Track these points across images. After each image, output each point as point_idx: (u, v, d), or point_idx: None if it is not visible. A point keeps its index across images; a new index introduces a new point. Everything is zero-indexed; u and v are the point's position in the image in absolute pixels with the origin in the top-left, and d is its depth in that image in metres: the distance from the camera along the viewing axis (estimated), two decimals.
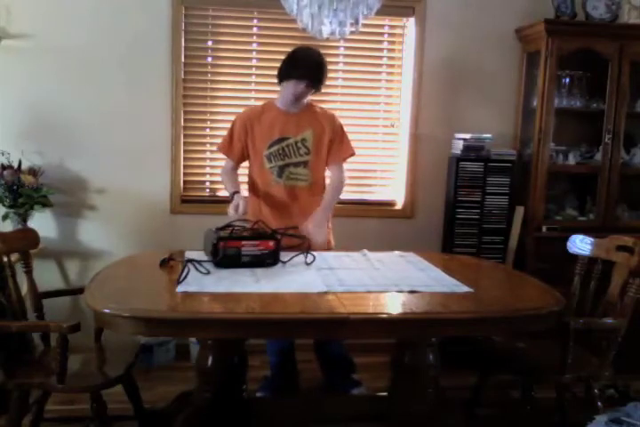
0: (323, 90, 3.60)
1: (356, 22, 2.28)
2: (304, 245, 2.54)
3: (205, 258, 2.40)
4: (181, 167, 3.58)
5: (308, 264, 2.44)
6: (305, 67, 2.70)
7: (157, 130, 3.51)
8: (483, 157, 3.47)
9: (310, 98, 2.88)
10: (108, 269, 2.40)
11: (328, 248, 2.83)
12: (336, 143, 2.87)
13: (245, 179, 2.98)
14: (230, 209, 2.65)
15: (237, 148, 2.85)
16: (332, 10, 2.20)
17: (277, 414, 2.66)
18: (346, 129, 2.95)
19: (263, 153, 2.79)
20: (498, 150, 3.52)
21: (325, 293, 2.08)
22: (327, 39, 2.39)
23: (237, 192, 2.73)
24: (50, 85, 3.40)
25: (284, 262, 2.44)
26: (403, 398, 2.47)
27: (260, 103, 3.02)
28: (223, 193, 3.64)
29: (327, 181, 2.96)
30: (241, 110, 3.57)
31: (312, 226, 2.72)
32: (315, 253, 2.53)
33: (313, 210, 2.78)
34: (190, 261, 2.32)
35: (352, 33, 2.34)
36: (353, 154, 2.96)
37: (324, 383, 3.06)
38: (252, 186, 2.92)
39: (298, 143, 2.78)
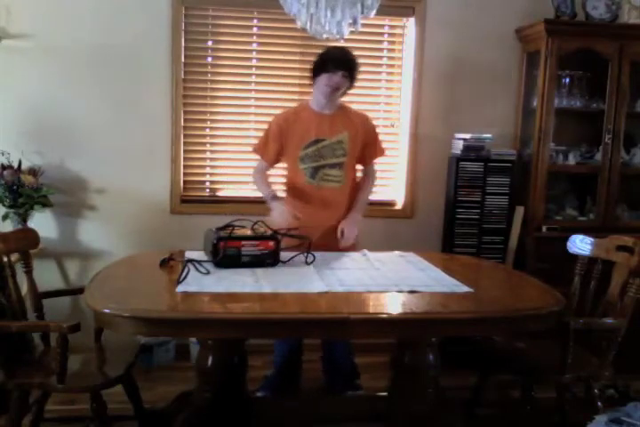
0: None
1: (355, 22, 2.28)
2: (304, 245, 2.54)
3: (205, 258, 2.40)
4: (181, 167, 3.58)
5: (308, 264, 2.45)
6: (338, 59, 2.71)
7: (157, 130, 3.51)
8: (483, 157, 3.47)
9: (341, 99, 2.88)
10: (108, 269, 2.40)
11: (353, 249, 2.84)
12: (370, 145, 2.90)
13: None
14: (277, 218, 2.65)
15: (272, 149, 2.85)
16: (330, 10, 2.20)
17: (277, 414, 2.66)
18: (380, 133, 3.00)
19: (298, 154, 2.79)
20: (498, 150, 3.52)
21: (325, 293, 2.08)
22: (327, 39, 2.40)
23: (276, 197, 2.76)
24: (50, 85, 3.40)
25: (285, 262, 2.44)
26: (403, 398, 2.47)
27: (291, 104, 3.09)
28: (223, 193, 3.66)
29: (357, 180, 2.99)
30: (240, 111, 3.61)
31: (347, 227, 2.76)
32: (315, 253, 2.53)
33: (342, 210, 2.82)
34: (190, 261, 2.32)
35: (351, 33, 2.34)
36: (384, 155, 3.03)
37: (324, 386, 3.05)
38: (287, 186, 2.94)
39: (334, 145, 2.79)
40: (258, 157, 2.94)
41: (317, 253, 2.53)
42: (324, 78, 2.72)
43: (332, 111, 2.82)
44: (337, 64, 2.70)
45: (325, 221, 2.79)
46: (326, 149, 2.78)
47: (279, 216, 2.65)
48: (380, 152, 2.99)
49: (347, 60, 2.73)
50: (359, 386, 3.03)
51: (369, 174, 2.98)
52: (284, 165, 2.97)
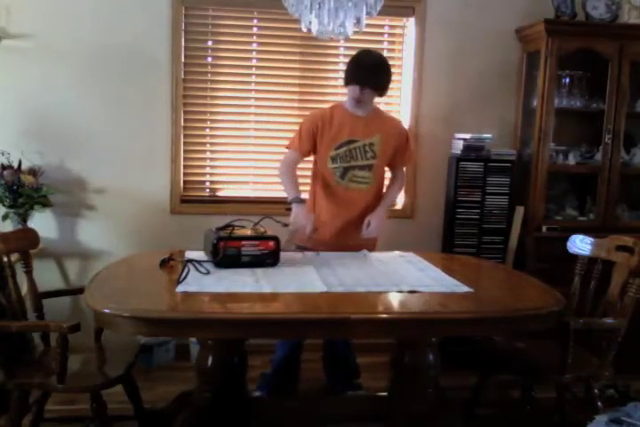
0: (323, 90, 3.66)
1: (359, 22, 2.29)
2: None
3: (205, 258, 2.40)
4: (181, 167, 3.58)
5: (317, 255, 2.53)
6: (364, 72, 2.68)
7: (157, 130, 3.51)
8: (483, 157, 3.47)
9: (376, 101, 2.88)
10: (108, 269, 2.40)
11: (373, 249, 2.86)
12: (401, 150, 2.90)
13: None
14: (295, 221, 2.66)
15: (305, 144, 2.83)
16: (334, 10, 2.20)
17: (277, 414, 2.66)
18: (412, 139, 3.04)
19: (329, 154, 2.79)
20: (498, 150, 3.53)
21: (325, 293, 2.08)
22: (331, 39, 2.40)
23: (300, 200, 2.72)
24: (50, 85, 3.40)
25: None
26: (403, 398, 2.47)
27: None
28: (223, 193, 3.66)
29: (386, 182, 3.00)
30: (240, 111, 3.61)
31: (374, 219, 2.76)
32: (312, 252, 2.53)
33: (368, 212, 2.81)
34: (190, 261, 2.32)
35: (355, 33, 2.34)
36: (413, 159, 3.10)
37: (325, 385, 3.05)
38: (314, 184, 2.92)
39: (366, 146, 2.79)
40: (288, 150, 2.90)
41: (317, 254, 2.54)
42: (351, 89, 2.73)
43: (366, 113, 2.81)
44: (362, 79, 2.69)
45: (348, 220, 2.81)
46: (358, 150, 2.78)
47: (298, 220, 2.66)
48: (411, 157, 3.02)
49: (372, 76, 2.70)
50: (360, 386, 3.03)
51: (397, 177, 2.99)
52: (310, 163, 2.95)
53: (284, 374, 2.94)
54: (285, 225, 2.62)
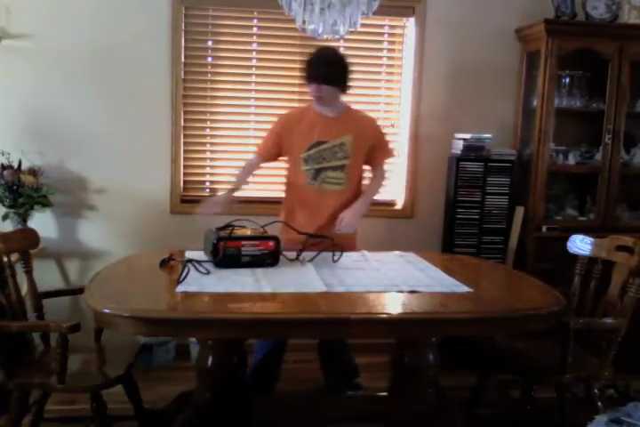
0: None
1: (354, 23, 2.28)
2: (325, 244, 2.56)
3: (205, 258, 2.40)
4: (181, 167, 3.58)
5: (334, 261, 2.50)
6: (317, 69, 2.69)
7: (157, 130, 3.51)
8: (483, 157, 3.47)
9: (344, 100, 2.86)
10: (108, 269, 2.40)
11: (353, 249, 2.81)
12: (377, 148, 2.89)
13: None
14: (210, 200, 2.76)
15: (269, 145, 2.85)
16: (327, 10, 2.20)
17: (277, 414, 2.66)
18: (387, 136, 3.00)
19: (300, 155, 2.79)
20: (498, 150, 3.52)
21: (325, 293, 2.08)
22: (327, 39, 2.40)
23: (233, 189, 2.81)
24: (50, 85, 3.40)
25: (309, 261, 2.48)
26: (403, 398, 2.47)
27: (292, 104, 3.14)
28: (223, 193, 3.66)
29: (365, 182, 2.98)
30: (240, 111, 3.61)
31: (347, 214, 2.73)
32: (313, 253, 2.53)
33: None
34: (190, 261, 2.32)
35: (351, 32, 2.34)
36: (392, 156, 3.05)
37: (324, 386, 3.04)
38: (287, 186, 2.93)
39: (335, 147, 2.77)
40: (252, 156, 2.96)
41: (320, 254, 2.54)
42: (309, 88, 2.74)
43: (336, 114, 2.81)
44: (313, 75, 2.69)
45: (325, 223, 2.77)
46: (327, 151, 2.77)
47: (213, 198, 2.78)
48: (388, 154, 3.00)
49: (328, 72, 2.69)
50: (359, 385, 3.03)
51: (376, 175, 2.98)
52: (286, 165, 2.95)
53: (261, 374, 2.89)
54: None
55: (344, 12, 2.22)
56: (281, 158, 2.93)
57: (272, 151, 2.86)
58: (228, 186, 2.87)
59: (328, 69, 2.70)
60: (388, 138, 3.00)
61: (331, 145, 2.77)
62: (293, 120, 2.82)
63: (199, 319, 1.90)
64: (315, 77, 2.69)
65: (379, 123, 3.03)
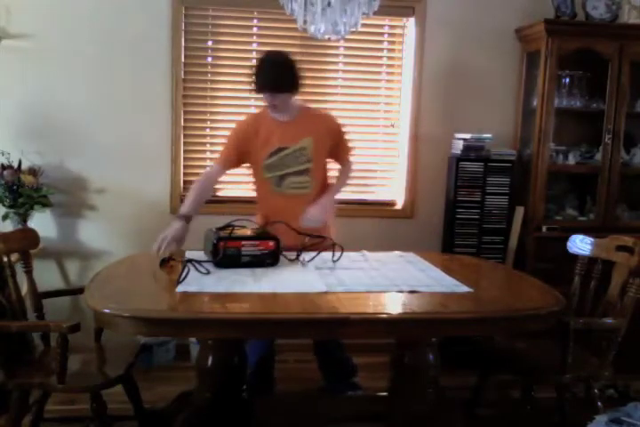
0: (323, 90, 3.65)
1: (355, 23, 2.29)
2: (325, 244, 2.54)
3: (205, 258, 2.40)
4: (181, 167, 3.58)
5: (334, 262, 2.48)
6: (267, 77, 2.58)
7: (157, 130, 3.51)
8: (483, 157, 3.47)
9: (297, 100, 2.79)
10: (108, 269, 2.40)
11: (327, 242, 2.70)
12: (338, 145, 2.84)
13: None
14: (163, 234, 2.46)
15: (231, 155, 2.76)
16: (328, 10, 2.20)
17: (277, 414, 2.66)
18: (345, 129, 2.93)
19: (262, 163, 2.73)
20: (498, 150, 3.53)
21: (325, 293, 2.08)
22: (329, 39, 2.40)
23: (182, 217, 2.55)
24: (50, 85, 3.40)
25: (309, 261, 2.47)
26: (403, 398, 2.47)
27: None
28: (223, 193, 3.65)
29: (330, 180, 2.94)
30: (240, 111, 3.60)
31: (313, 209, 2.66)
32: (313, 253, 2.53)
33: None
34: (190, 261, 2.32)
35: (351, 32, 2.34)
36: (352, 150, 2.95)
37: (323, 386, 3.04)
38: (256, 195, 2.90)
39: (297, 152, 2.71)
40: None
41: (320, 254, 2.53)
42: (263, 97, 2.63)
43: (292, 118, 2.72)
44: (265, 86, 2.59)
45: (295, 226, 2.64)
46: (289, 157, 2.71)
47: (162, 234, 2.46)
48: (350, 150, 2.90)
49: (275, 80, 2.57)
50: (358, 384, 3.03)
51: (343, 170, 2.90)
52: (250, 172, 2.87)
53: (260, 376, 2.88)
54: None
55: (345, 12, 2.22)
56: (244, 166, 2.85)
57: (233, 159, 2.77)
58: (182, 210, 2.61)
59: (279, 77, 2.59)
60: (347, 133, 2.89)
61: (292, 150, 2.71)
62: (251, 128, 2.74)
63: (199, 319, 1.89)
64: (267, 87, 2.58)
65: (335, 118, 2.90)
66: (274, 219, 2.66)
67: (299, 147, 2.71)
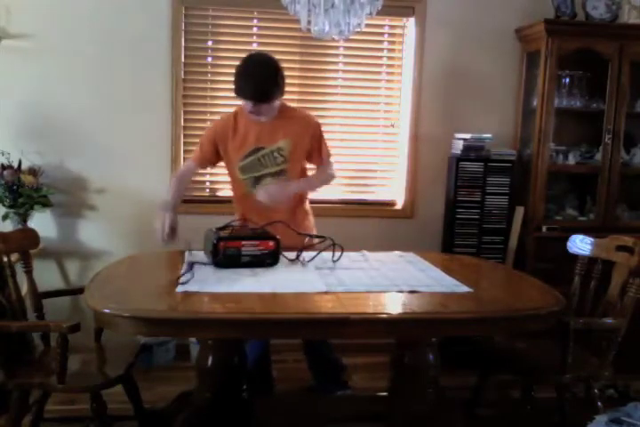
0: (323, 90, 3.65)
1: (359, 23, 2.29)
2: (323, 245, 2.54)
3: (205, 258, 2.40)
4: (181, 167, 3.57)
5: (334, 262, 2.47)
6: (252, 86, 2.50)
7: (157, 130, 3.51)
8: (483, 157, 3.47)
9: (278, 102, 2.69)
10: (108, 269, 2.40)
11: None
12: (317, 148, 2.77)
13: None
14: (157, 224, 2.52)
15: (206, 153, 2.74)
16: (332, 10, 2.20)
17: (277, 414, 2.66)
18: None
19: (237, 165, 2.71)
20: (498, 150, 3.53)
21: (325, 293, 2.08)
22: (332, 39, 2.40)
23: (166, 205, 2.61)
24: (50, 85, 3.40)
25: (309, 261, 2.47)
26: (403, 398, 2.47)
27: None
28: (223, 193, 3.66)
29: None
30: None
31: (272, 186, 2.62)
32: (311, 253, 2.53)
33: (296, 217, 2.75)
34: (193, 264, 2.31)
35: (355, 33, 2.34)
36: (330, 154, 2.86)
37: (312, 385, 3.03)
38: (233, 191, 2.87)
39: (274, 153, 2.68)
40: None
41: (320, 254, 2.53)
42: (244, 103, 2.57)
43: (271, 118, 2.66)
44: (249, 95, 2.51)
45: (276, 230, 2.57)
46: (267, 157, 2.68)
47: (155, 223, 2.53)
48: (327, 153, 2.81)
49: (259, 90, 2.50)
50: (347, 383, 3.02)
51: (320, 169, 2.83)
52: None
53: (258, 376, 2.87)
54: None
55: (348, 12, 2.22)
56: (219, 165, 2.84)
57: (209, 157, 2.75)
58: (167, 204, 2.65)
59: (265, 85, 2.51)
60: (324, 136, 2.80)
61: (269, 151, 2.67)
62: (228, 127, 2.70)
63: (199, 319, 1.90)
64: (251, 97, 2.51)
65: (314, 118, 2.82)
66: (251, 219, 2.64)
67: (276, 147, 2.68)
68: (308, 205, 2.92)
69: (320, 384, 3.02)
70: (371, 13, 2.28)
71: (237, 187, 2.80)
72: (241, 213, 2.83)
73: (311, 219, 2.92)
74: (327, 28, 2.26)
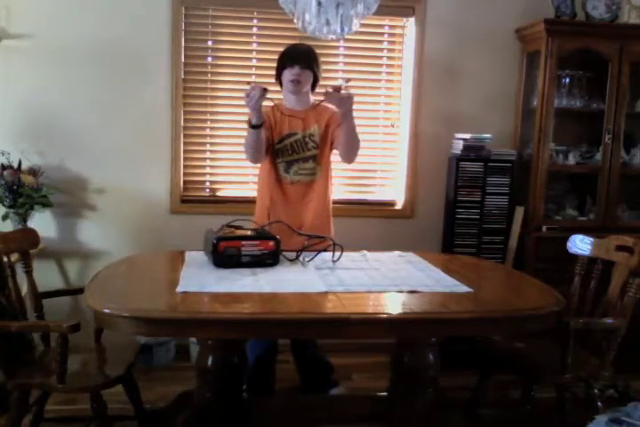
0: (323, 90, 3.64)
1: (355, 23, 2.28)
2: (323, 245, 2.54)
3: (205, 258, 2.40)
4: (181, 167, 3.58)
5: (334, 262, 2.48)
6: (293, 53, 2.76)
7: (157, 130, 3.51)
8: (483, 156, 3.47)
9: (314, 99, 2.85)
10: (108, 269, 2.40)
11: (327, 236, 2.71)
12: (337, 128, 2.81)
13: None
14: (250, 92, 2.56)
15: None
16: (328, 10, 2.20)
17: (277, 414, 2.66)
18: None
19: (273, 149, 2.80)
20: (498, 150, 3.52)
21: (325, 293, 2.08)
22: (331, 39, 2.40)
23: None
24: (50, 85, 3.40)
25: (308, 260, 2.47)
26: (403, 398, 2.47)
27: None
28: (223, 193, 3.66)
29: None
30: (240, 111, 3.59)
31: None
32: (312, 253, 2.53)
33: (321, 205, 2.81)
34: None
35: (349, 33, 2.34)
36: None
37: (301, 385, 3.02)
38: (262, 183, 2.91)
39: (306, 138, 2.80)
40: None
41: (320, 254, 2.54)
42: (286, 75, 2.75)
43: (304, 109, 2.82)
44: (292, 59, 2.74)
45: (302, 216, 2.77)
46: (299, 142, 2.80)
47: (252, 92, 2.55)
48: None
49: (301, 53, 2.77)
50: (337, 381, 3.02)
51: None
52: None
53: (258, 376, 2.87)
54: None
55: (344, 12, 2.22)
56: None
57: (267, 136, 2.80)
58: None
59: (310, 55, 2.78)
60: None
61: (301, 136, 2.80)
62: (268, 113, 2.80)
63: (199, 319, 1.89)
64: (297, 60, 2.72)
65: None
66: (274, 209, 2.73)
67: (307, 133, 2.80)
68: (331, 207, 2.94)
69: (309, 384, 3.01)
70: (367, 13, 2.27)
71: (271, 171, 2.84)
72: (265, 204, 2.83)
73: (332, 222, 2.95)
74: (324, 28, 2.26)
